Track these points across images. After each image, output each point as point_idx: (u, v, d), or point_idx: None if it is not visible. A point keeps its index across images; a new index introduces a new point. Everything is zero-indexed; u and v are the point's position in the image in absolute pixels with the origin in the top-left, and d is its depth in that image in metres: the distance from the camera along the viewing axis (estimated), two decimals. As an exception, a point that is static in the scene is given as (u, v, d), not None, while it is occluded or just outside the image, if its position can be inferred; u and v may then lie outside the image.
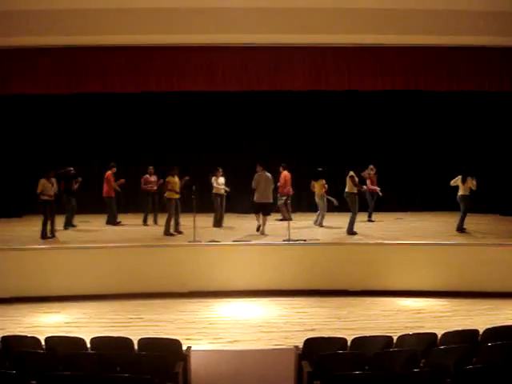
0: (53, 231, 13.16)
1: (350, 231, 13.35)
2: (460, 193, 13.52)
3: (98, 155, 17.47)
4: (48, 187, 12.95)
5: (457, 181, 13.58)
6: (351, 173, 13.58)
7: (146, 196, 15.52)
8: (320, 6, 11.14)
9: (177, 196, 13.71)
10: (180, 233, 13.67)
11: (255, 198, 13.77)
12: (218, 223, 14.83)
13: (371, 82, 12.54)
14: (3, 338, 6.80)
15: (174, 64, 12.27)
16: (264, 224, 13.63)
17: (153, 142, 17.82)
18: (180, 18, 11.12)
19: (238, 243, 12.41)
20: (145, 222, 15.43)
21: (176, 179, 13.68)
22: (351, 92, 14.12)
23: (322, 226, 14.65)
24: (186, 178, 14.04)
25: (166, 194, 13.68)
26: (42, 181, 12.94)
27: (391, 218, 16.08)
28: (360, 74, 12.43)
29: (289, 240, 12.26)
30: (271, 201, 13.94)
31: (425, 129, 17.84)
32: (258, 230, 13.60)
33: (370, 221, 15.64)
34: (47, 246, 12.28)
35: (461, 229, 13.57)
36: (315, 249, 12.16)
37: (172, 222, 13.63)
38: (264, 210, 13.69)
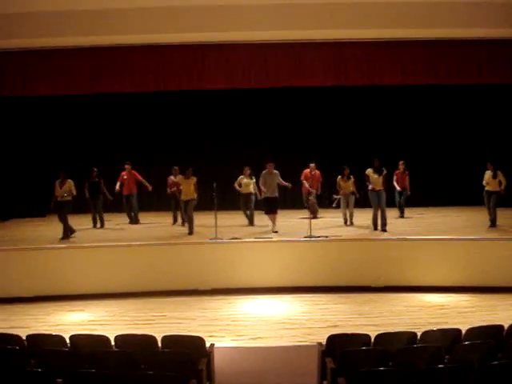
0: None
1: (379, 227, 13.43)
2: (492, 188, 13.44)
3: (119, 155, 17.50)
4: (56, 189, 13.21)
5: (486, 176, 13.53)
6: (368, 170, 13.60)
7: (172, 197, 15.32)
8: (339, 1, 11.09)
9: (185, 197, 13.70)
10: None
11: (263, 194, 13.86)
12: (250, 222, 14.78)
13: (392, 77, 12.42)
14: (28, 336, 6.87)
15: (193, 62, 12.25)
16: (274, 221, 13.58)
17: (173, 141, 17.84)
18: (198, 16, 11.11)
19: (260, 240, 12.43)
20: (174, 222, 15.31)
21: (188, 180, 13.68)
22: (372, 87, 14.04)
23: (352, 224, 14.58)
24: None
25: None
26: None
27: (414, 214, 15.95)
28: (380, 68, 12.31)
29: (310, 236, 12.24)
30: (276, 195, 13.79)
31: (447, 123, 17.67)
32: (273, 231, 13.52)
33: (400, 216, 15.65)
34: (71, 245, 12.38)
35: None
36: (337, 245, 12.14)
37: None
38: (272, 205, 13.64)
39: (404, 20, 11.17)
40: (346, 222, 14.61)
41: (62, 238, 12.98)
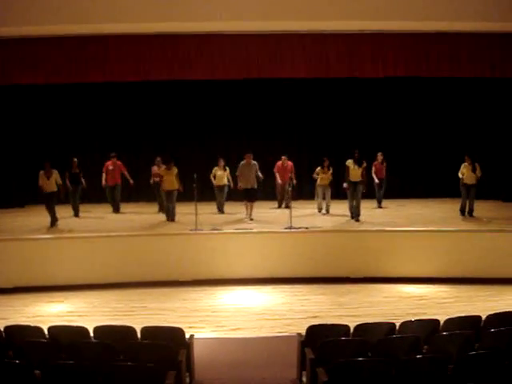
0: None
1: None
2: (471, 181, 13.50)
3: (99, 145, 17.37)
4: (43, 180, 13.07)
5: (464, 170, 13.60)
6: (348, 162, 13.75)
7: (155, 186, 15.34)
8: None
9: (168, 187, 13.72)
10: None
11: (240, 185, 14.13)
12: (220, 211, 15.14)
13: (372, 69, 12.46)
14: (6, 327, 6.82)
15: (174, 52, 12.20)
16: (251, 210, 13.89)
17: (153, 132, 17.77)
18: (180, 5, 11.05)
19: (240, 231, 12.42)
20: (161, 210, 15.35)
21: (170, 171, 13.67)
22: (352, 79, 14.06)
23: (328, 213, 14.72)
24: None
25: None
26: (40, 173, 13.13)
27: (393, 205, 16.04)
28: (361, 60, 12.35)
29: (290, 227, 12.26)
30: (255, 186, 14.11)
31: (426, 115, 17.75)
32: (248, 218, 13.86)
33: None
34: (50, 236, 12.28)
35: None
36: (317, 236, 12.18)
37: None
38: (249, 196, 13.92)
39: (386, 12, 11.18)
40: (320, 211, 14.83)
41: (52, 226, 12.99)
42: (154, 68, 12.32)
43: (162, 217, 14.03)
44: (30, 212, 15.27)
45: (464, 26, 11.61)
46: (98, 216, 15.08)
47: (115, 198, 15.56)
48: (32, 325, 7.06)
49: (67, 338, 6.41)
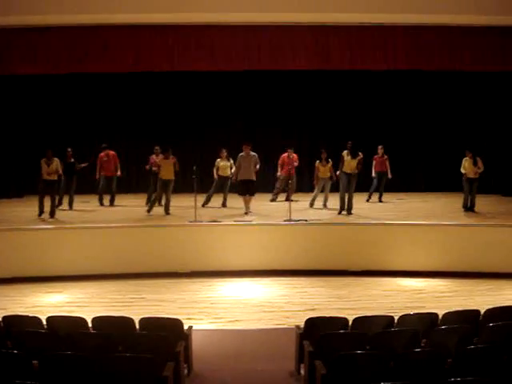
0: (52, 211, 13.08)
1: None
2: (473, 175, 13.40)
3: (97, 136, 17.29)
4: (43, 167, 12.92)
5: (465, 164, 13.49)
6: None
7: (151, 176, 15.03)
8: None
9: (165, 177, 13.53)
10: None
11: (238, 177, 13.73)
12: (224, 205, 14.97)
13: (374, 62, 12.44)
14: (5, 317, 6.81)
15: (174, 43, 12.16)
16: (248, 203, 13.56)
17: (153, 123, 17.74)
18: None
19: (239, 223, 12.41)
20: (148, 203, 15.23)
21: (168, 161, 13.50)
22: (354, 72, 14.01)
23: (325, 207, 14.62)
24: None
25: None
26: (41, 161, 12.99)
27: (393, 199, 16.03)
28: (363, 53, 12.31)
29: (290, 220, 12.25)
30: (253, 179, 13.68)
31: (428, 109, 17.77)
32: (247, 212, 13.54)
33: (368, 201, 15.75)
34: (49, 226, 12.27)
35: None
36: (316, 229, 12.17)
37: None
38: (247, 188, 13.57)
39: (388, 5, 11.15)
40: (311, 205, 14.73)
41: (51, 217, 12.93)
42: (153, 59, 12.29)
43: (161, 209, 13.88)
44: (29, 202, 15.21)
45: (465, 19, 11.56)
46: (95, 207, 15.04)
47: (112, 189, 15.40)
48: (30, 315, 7.06)
49: (65, 328, 6.39)
